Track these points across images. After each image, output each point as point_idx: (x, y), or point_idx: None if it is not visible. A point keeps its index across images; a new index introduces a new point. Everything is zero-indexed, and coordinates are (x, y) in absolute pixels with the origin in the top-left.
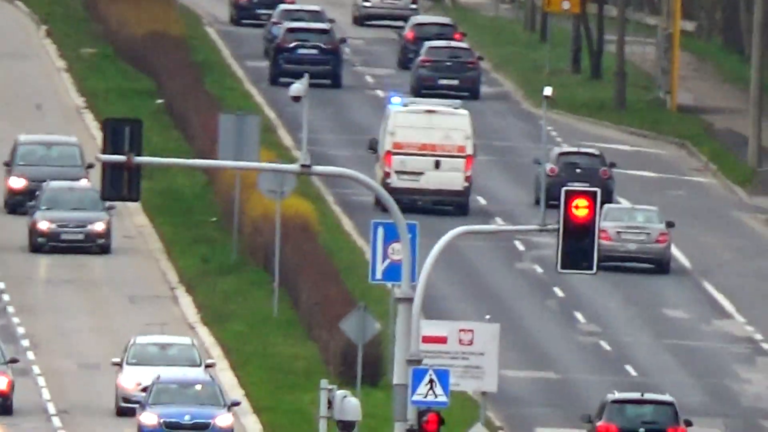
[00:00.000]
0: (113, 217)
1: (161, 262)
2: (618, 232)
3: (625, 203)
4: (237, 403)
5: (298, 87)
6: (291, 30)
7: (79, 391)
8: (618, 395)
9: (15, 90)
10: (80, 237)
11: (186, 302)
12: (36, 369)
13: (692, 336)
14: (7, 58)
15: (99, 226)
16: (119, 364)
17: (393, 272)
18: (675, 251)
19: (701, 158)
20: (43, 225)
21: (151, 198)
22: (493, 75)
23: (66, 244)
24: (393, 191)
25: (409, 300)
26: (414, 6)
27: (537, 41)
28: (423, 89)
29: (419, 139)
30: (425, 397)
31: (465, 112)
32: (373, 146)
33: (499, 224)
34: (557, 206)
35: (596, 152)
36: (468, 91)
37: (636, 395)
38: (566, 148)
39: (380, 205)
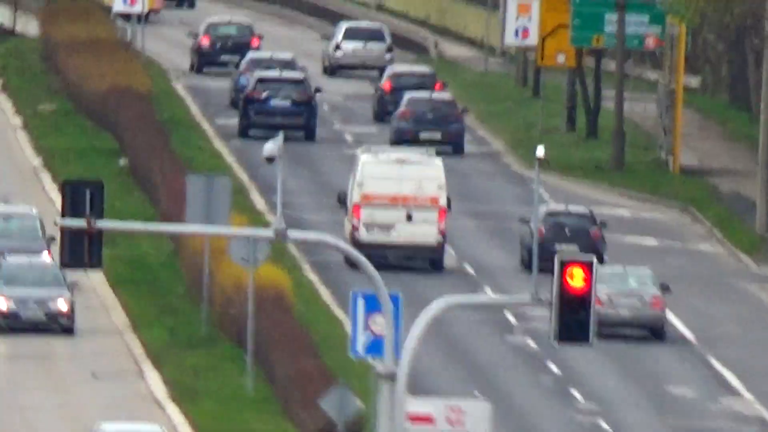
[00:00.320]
0: (76, 292)
1: (125, 335)
2: (610, 298)
3: (617, 267)
4: None
5: (271, 147)
6: (261, 80)
7: None
8: None
9: None
10: (41, 316)
11: (153, 377)
12: None
13: (699, 415)
14: None
15: (62, 305)
16: None
17: (375, 346)
18: (678, 323)
19: (705, 224)
20: (1, 304)
21: (114, 266)
22: (480, 133)
23: (26, 326)
24: (362, 246)
25: (392, 377)
26: (388, 56)
27: (529, 97)
28: (403, 143)
29: (389, 190)
30: None
31: (439, 160)
32: (341, 199)
33: (489, 295)
34: (545, 270)
35: (586, 212)
36: (452, 145)
37: None
38: (553, 207)
39: (349, 262)
